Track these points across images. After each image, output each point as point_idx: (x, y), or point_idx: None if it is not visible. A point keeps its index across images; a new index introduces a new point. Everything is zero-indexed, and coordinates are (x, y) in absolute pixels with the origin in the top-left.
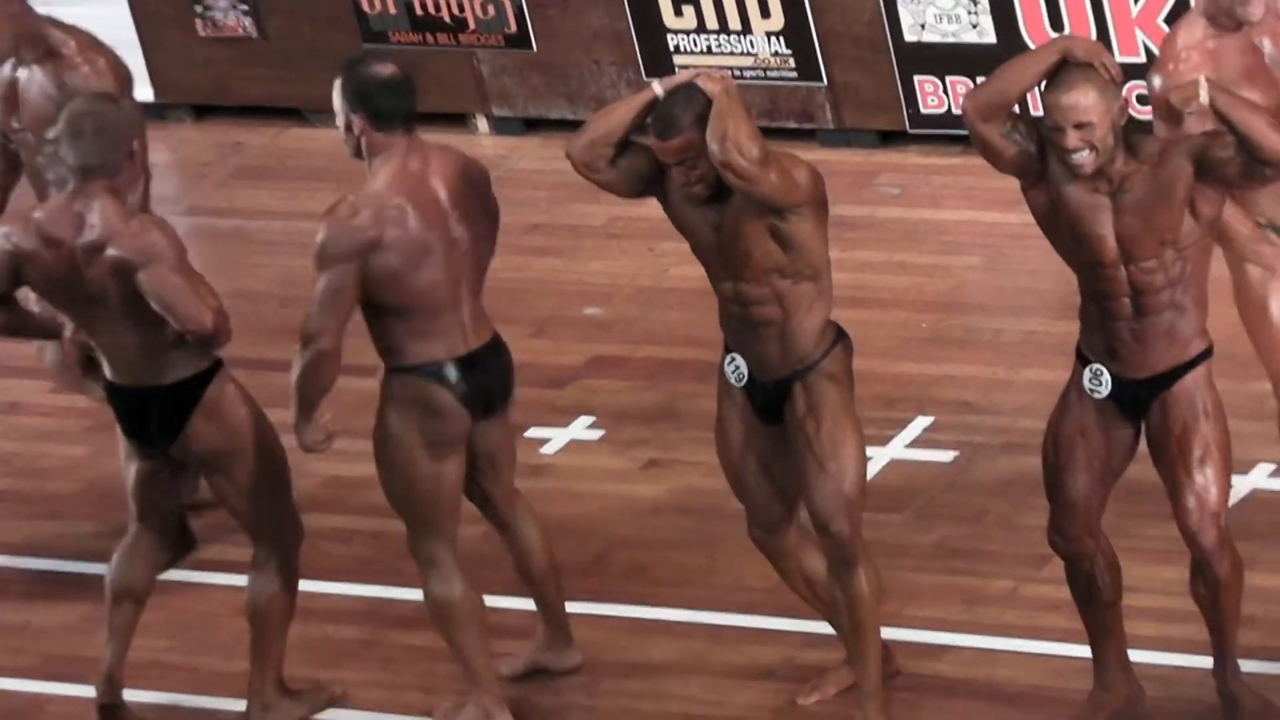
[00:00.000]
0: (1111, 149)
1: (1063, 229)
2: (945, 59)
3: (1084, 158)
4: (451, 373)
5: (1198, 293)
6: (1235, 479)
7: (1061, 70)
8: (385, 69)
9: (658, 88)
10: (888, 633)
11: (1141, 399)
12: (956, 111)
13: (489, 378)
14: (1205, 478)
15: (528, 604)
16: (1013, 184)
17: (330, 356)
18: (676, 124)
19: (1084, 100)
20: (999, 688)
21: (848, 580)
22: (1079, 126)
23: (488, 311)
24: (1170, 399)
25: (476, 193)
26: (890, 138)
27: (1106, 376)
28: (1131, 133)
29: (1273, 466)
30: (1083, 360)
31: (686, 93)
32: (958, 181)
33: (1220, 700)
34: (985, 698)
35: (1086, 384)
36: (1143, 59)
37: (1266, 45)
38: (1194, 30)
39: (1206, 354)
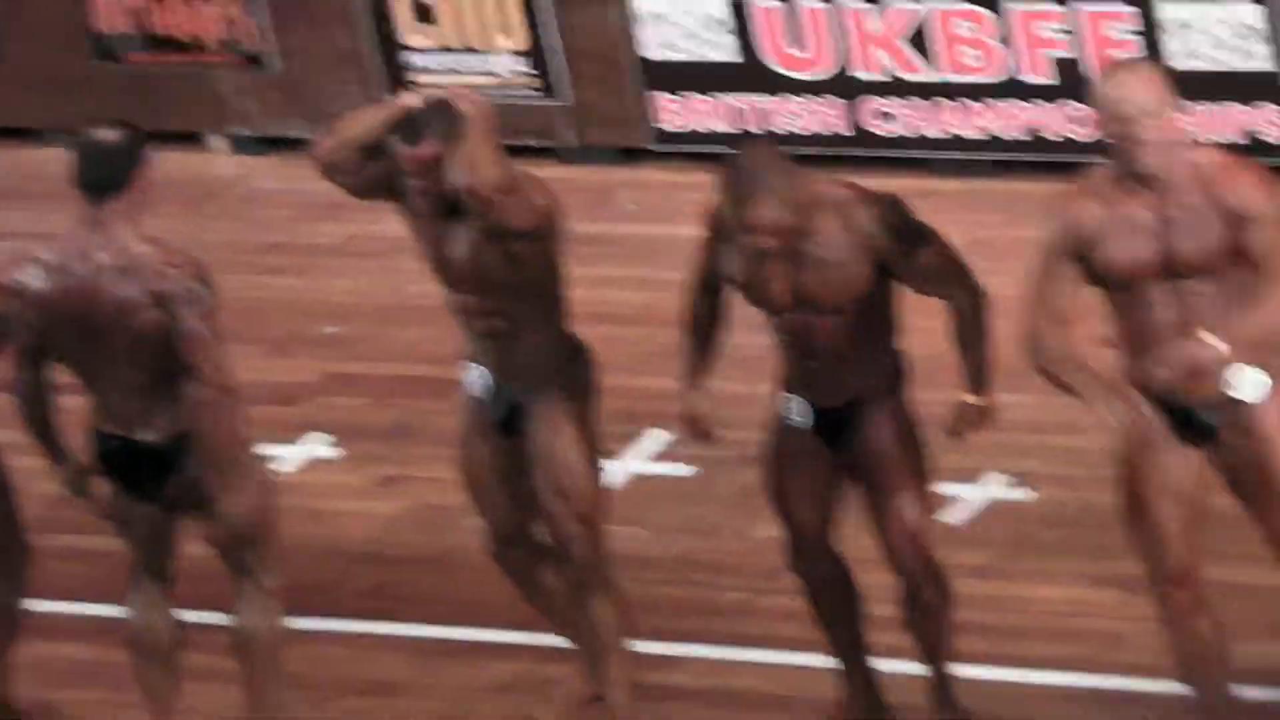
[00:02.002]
0: None
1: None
2: (686, 76)
3: None
4: None
5: (880, 325)
6: (969, 489)
7: None
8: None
9: (412, 99)
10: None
11: (840, 426)
12: (698, 128)
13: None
14: (907, 503)
15: None
16: None
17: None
18: (424, 135)
19: None
20: (738, 696)
21: (589, 599)
22: None
23: (226, 329)
24: (868, 425)
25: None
26: (631, 154)
27: (806, 408)
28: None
29: (1007, 477)
30: (785, 391)
31: (440, 107)
32: (698, 198)
33: None
34: (724, 706)
35: (790, 414)
36: (883, 77)
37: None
38: None
39: (899, 380)
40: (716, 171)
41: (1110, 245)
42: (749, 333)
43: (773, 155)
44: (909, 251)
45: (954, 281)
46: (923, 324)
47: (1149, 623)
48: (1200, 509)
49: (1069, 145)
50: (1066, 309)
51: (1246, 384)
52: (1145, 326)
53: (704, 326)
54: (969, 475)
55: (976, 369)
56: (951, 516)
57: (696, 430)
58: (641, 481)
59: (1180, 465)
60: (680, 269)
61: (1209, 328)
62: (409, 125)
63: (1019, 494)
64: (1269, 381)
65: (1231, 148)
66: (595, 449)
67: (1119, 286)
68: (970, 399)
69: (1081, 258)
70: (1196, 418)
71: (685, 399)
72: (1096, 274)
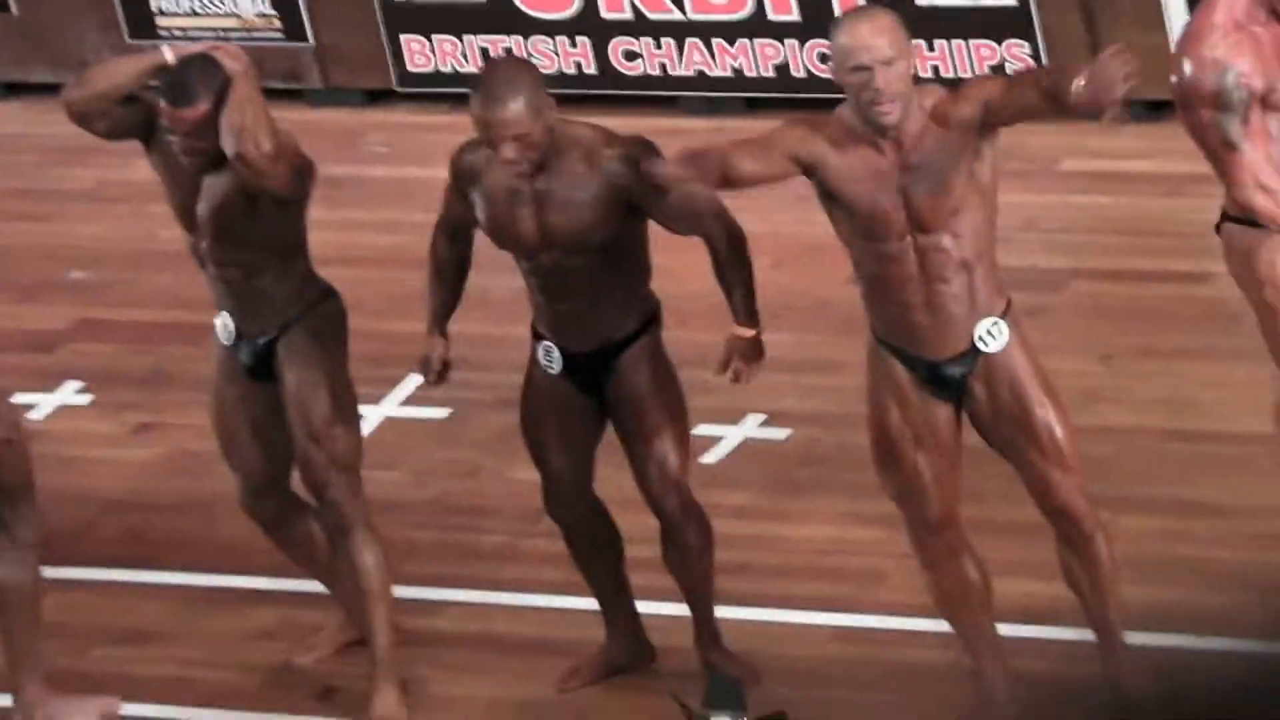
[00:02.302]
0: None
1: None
2: (432, 18)
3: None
4: None
5: (630, 267)
6: (727, 430)
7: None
8: None
9: (169, 53)
10: None
11: (593, 370)
12: (444, 70)
13: None
14: (664, 446)
15: None
16: None
17: None
18: (191, 95)
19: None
20: (499, 640)
21: (348, 547)
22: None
23: None
24: (621, 369)
25: None
26: (377, 96)
27: (556, 353)
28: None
29: (763, 416)
30: (536, 336)
31: (202, 64)
32: (447, 140)
33: (702, 666)
34: (486, 650)
35: (540, 360)
36: (630, 16)
37: None
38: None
39: (651, 322)
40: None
41: (853, 186)
42: (502, 274)
43: (527, 68)
44: (657, 190)
45: (706, 218)
46: (672, 263)
47: (910, 559)
48: (954, 455)
49: (816, 83)
50: (751, 169)
51: (991, 336)
52: (893, 292)
53: (447, 272)
54: (726, 416)
55: (743, 301)
56: (709, 457)
57: (432, 374)
58: (396, 425)
59: (931, 415)
60: (430, 211)
61: (951, 293)
62: (174, 83)
63: (775, 433)
64: (1008, 330)
65: None
66: (348, 393)
67: (862, 234)
68: (741, 331)
69: (805, 159)
70: (943, 371)
71: (424, 343)
72: (834, 206)
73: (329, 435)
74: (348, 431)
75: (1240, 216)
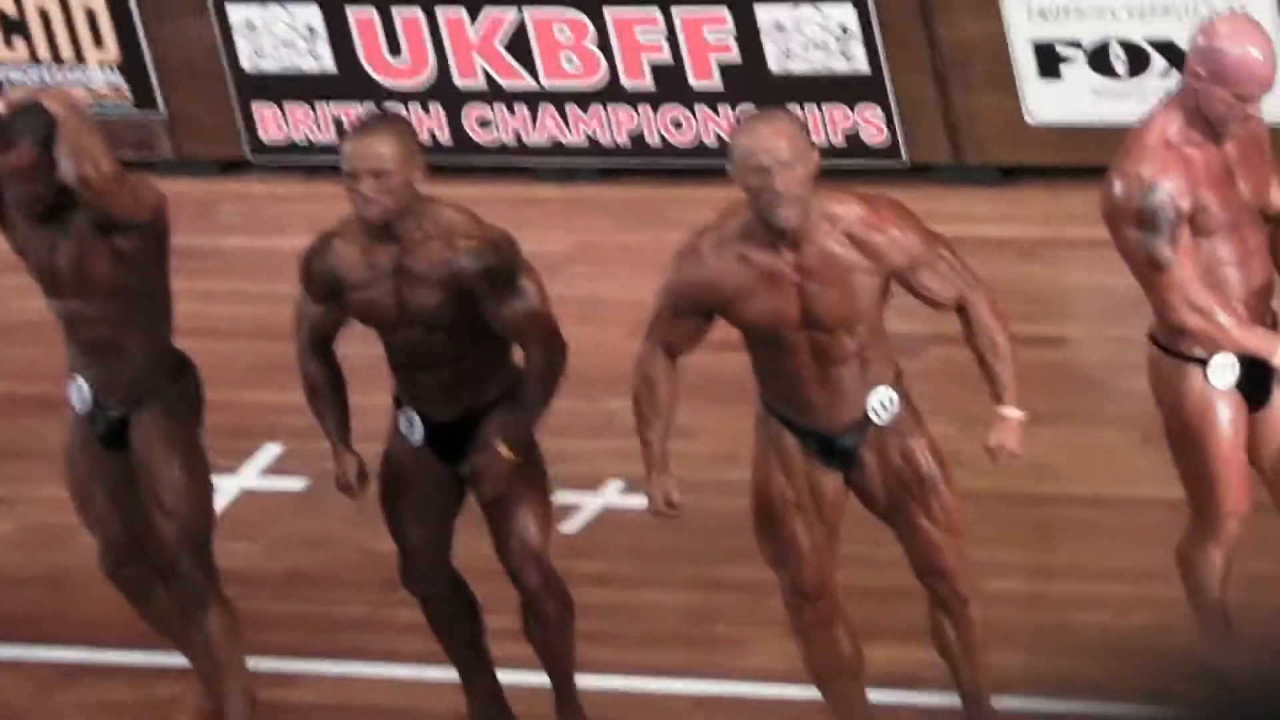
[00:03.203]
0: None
1: None
2: (284, 87)
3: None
4: None
5: (493, 337)
6: (585, 497)
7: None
8: None
9: None
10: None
11: (455, 439)
12: (298, 139)
13: None
14: (524, 518)
15: None
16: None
17: None
18: (17, 140)
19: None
20: (359, 712)
21: (199, 617)
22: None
23: None
24: (479, 441)
25: None
26: (230, 167)
27: (419, 422)
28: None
29: (623, 484)
30: (397, 405)
31: (28, 110)
32: (301, 209)
33: None
34: None
35: (402, 429)
36: (483, 85)
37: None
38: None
39: (514, 391)
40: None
41: (750, 303)
42: (359, 343)
43: (408, 125)
44: (497, 296)
45: (533, 340)
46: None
47: (773, 626)
48: (835, 525)
49: (670, 150)
50: (676, 341)
51: (884, 408)
52: (786, 373)
53: (327, 390)
54: (585, 483)
55: (516, 422)
56: (569, 525)
57: (355, 491)
58: (253, 497)
59: (816, 485)
60: (286, 281)
61: (846, 372)
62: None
63: (634, 500)
64: (899, 400)
65: (833, 151)
66: (200, 465)
67: (760, 340)
68: (504, 450)
69: (710, 310)
70: (835, 443)
71: (337, 464)
72: (734, 322)
73: (179, 508)
74: (199, 505)
75: (1167, 345)
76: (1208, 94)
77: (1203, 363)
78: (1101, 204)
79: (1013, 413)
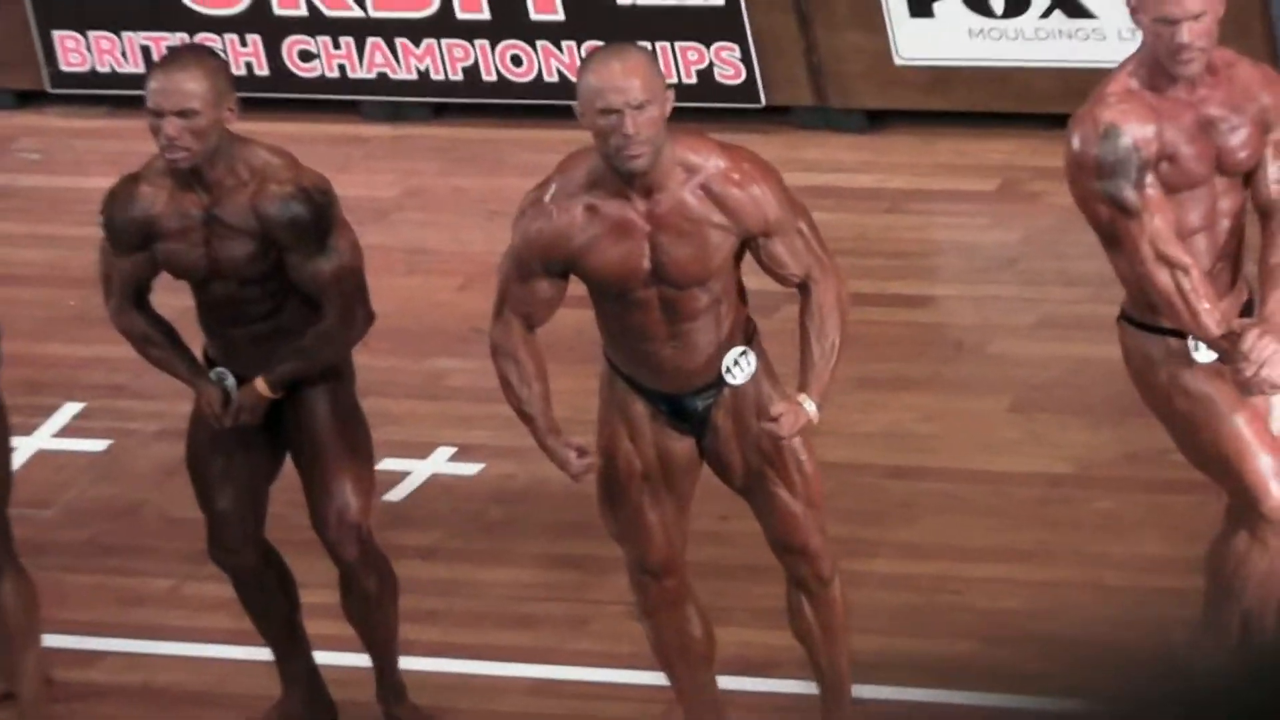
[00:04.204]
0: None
1: None
2: (88, 13)
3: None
4: None
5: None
6: (413, 464)
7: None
8: None
9: None
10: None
11: (270, 401)
12: (102, 69)
13: None
14: (343, 487)
15: None
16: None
17: None
18: None
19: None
20: (160, 693)
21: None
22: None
23: None
24: (302, 397)
25: None
26: (28, 98)
27: (231, 380)
28: None
29: (453, 449)
30: (208, 362)
31: None
32: (104, 146)
33: None
34: (146, 704)
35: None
36: (305, 13)
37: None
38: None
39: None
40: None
41: (597, 255)
42: (164, 293)
43: (220, 60)
44: (302, 251)
45: (335, 305)
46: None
47: (614, 605)
48: (684, 498)
49: (507, 87)
50: (531, 308)
51: (739, 368)
52: (635, 330)
53: (159, 337)
54: (413, 450)
55: (287, 372)
56: (394, 494)
57: (227, 417)
58: (49, 459)
59: (665, 453)
60: (90, 224)
61: (699, 329)
62: None
63: (465, 468)
64: (755, 360)
65: (685, 91)
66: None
67: (607, 295)
68: (261, 388)
69: (562, 267)
70: (686, 404)
71: (205, 400)
72: (581, 276)
73: None
74: None
75: (1145, 321)
76: (1145, 31)
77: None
78: (1064, 161)
79: (810, 408)
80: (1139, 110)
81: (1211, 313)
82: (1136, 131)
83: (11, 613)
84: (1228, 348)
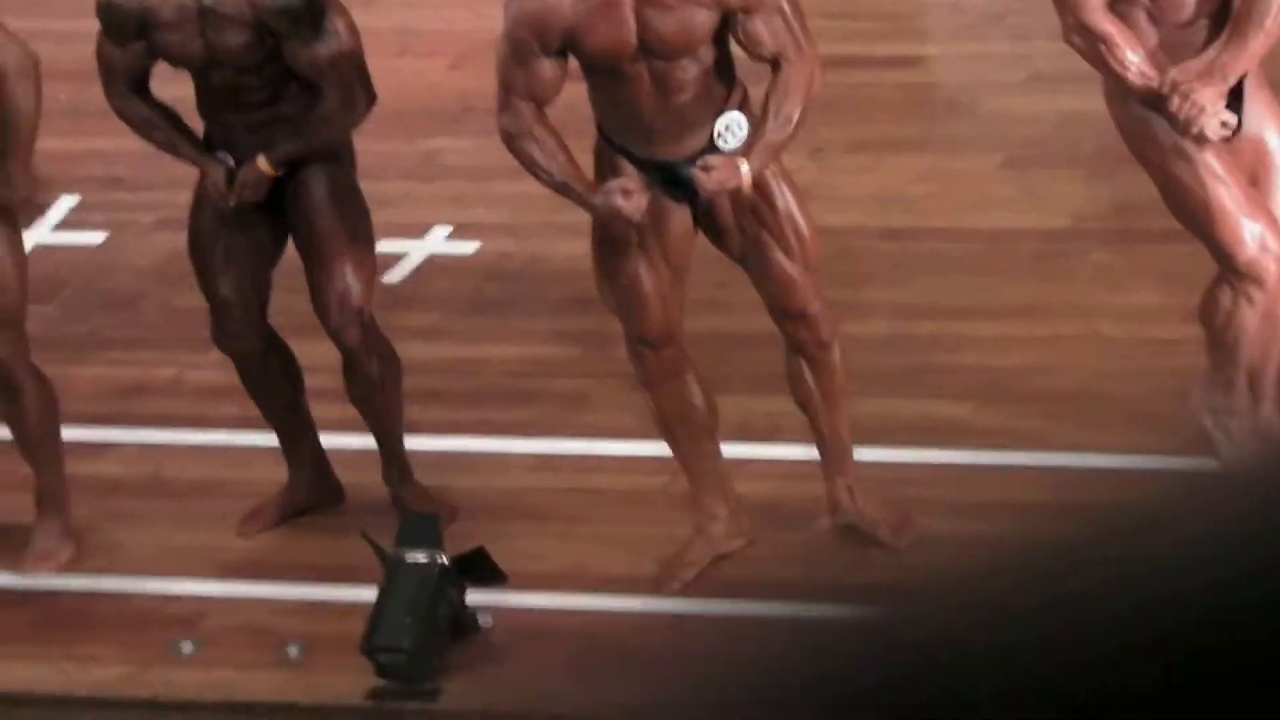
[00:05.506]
0: None
1: None
2: None
3: None
4: None
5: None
6: (410, 245)
7: None
8: None
9: None
10: None
11: (273, 184)
12: None
13: None
14: (344, 271)
15: None
16: None
17: None
18: None
19: None
20: (168, 483)
21: (10, 389)
22: None
23: None
24: (302, 180)
25: None
26: None
27: (232, 162)
28: None
29: (449, 229)
30: (208, 146)
31: None
32: None
33: (393, 502)
34: (154, 494)
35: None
36: None
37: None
38: None
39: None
40: None
41: (588, 33)
42: (158, 81)
43: None
44: (298, 36)
45: (335, 88)
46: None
47: (615, 379)
48: (682, 267)
49: None
50: (538, 90)
51: (731, 132)
52: (626, 101)
53: (161, 120)
54: (409, 230)
55: (288, 151)
56: (392, 275)
57: (232, 195)
58: (48, 253)
59: (660, 222)
60: (78, 16)
61: (690, 97)
62: None
63: (462, 246)
64: (747, 124)
65: None
66: (15, 230)
67: (598, 69)
68: (265, 166)
69: (560, 45)
70: (680, 171)
71: (210, 176)
72: (573, 53)
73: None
74: (18, 276)
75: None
76: None
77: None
78: None
79: (745, 169)
80: None
81: (1140, 68)
82: None
83: (35, 419)
84: (1156, 92)
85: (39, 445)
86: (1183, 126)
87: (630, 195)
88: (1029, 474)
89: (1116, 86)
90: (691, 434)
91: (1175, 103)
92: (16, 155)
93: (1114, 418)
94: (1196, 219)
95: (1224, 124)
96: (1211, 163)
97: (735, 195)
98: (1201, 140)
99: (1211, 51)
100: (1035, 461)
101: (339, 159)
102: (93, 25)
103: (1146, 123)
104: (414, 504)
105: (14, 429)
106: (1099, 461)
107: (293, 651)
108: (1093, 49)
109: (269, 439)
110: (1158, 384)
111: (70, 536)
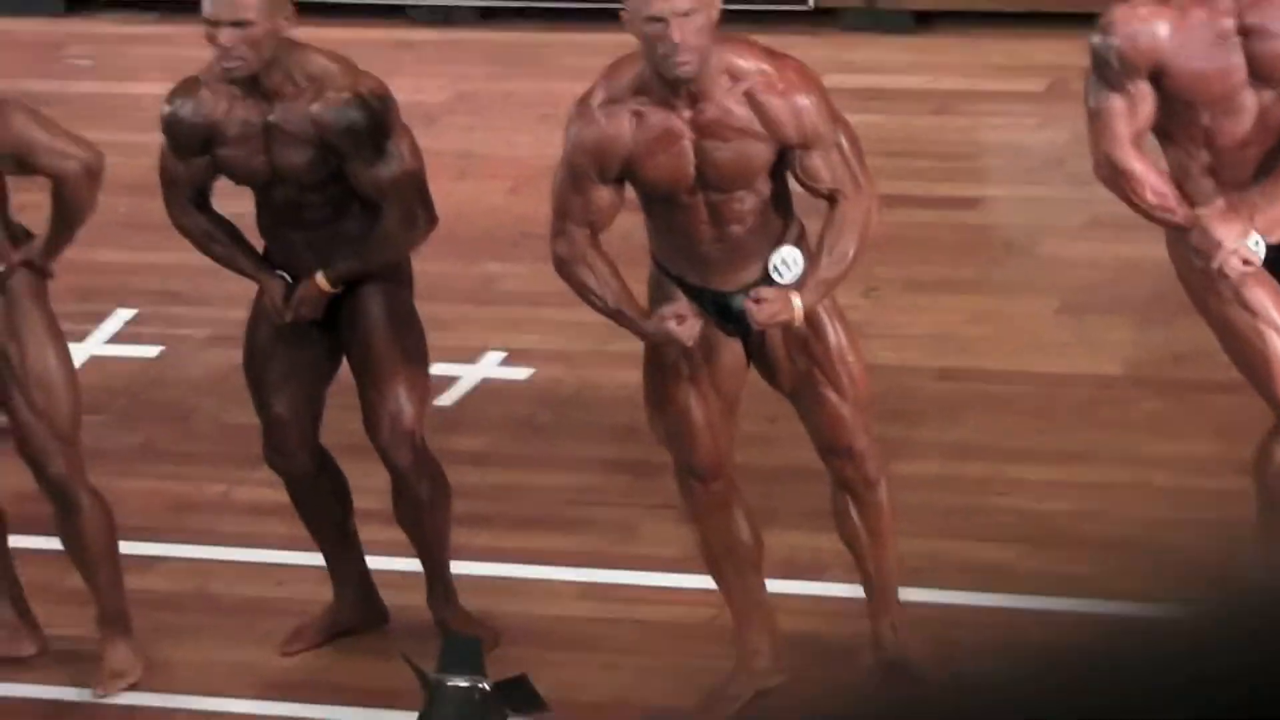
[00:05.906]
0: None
1: None
2: None
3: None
4: None
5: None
6: (463, 369)
7: None
8: None
9: None
10: None
11: (330, 304)
12: None
13: None
14: (397, 393)
15: None
16: None
17: None
18: None
19: None
20: (215, 600)
21: (68, 506)
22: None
23: None
24: (359, 300)
25: None
26: (78, 3)
27: (288, 278)
28: None
29: (503, 354)
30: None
31: None
32: (155, 52)
33: (436, 626)
34: (200, 610)
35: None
36: None
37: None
38: None
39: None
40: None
41: (647, 163)
42: (219, 198)
43: None
44: (361, 157)
45: (397, 208)
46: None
47: (663, 509)
48: (732, 399)
49: None
50: (594, 217)
51: (787, 266)
52: (682, 232)
53: (222, 235)
54: (463, 354)
55: (348, 270)
56: (445, 399)
57: (289, 312)
58: (102, 364)
59: (712, 354)
60: (142, 130)
61: (746, 230)
62: None
63: (515, 372)
64: (803, 258)
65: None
66: (61, 349)
67: (655, 199)
68: (324, 283)
69: (617, 174)
70: (735, 304)
71: (269, 293)
72: (632, 183)
73: (50, 405)
74: (69, 396)
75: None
76: None
77: None
78: None
79: (797, 304)
80: (1159, 18)
81: (1162, 203)
82: (1135, 33)
83: (93, 537)
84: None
85: (97, 563)
86: (1202, 261)
87: (684, 320)
88: (1074, 619)
89: (1177, 235)
90: (737, 567)
91: (1195, 237)
92: (60, 239)
93: (1161, 567)
94: (1255, 370)
95: (1246, 261)
96: (1273, 314)
97: (787, 329)
98: (1221, 276)
99: (1253, 192)
100: (1081, 608)
101: (397, 279)
102: (157, 139)
103: (1207, 272)
104: (457, 627)
105: (70, 546)
106: (1145, 610)
107: None
108: (1115, 183)
109: (315, 558)
110: (1208, 535)
111: (139, 653)
